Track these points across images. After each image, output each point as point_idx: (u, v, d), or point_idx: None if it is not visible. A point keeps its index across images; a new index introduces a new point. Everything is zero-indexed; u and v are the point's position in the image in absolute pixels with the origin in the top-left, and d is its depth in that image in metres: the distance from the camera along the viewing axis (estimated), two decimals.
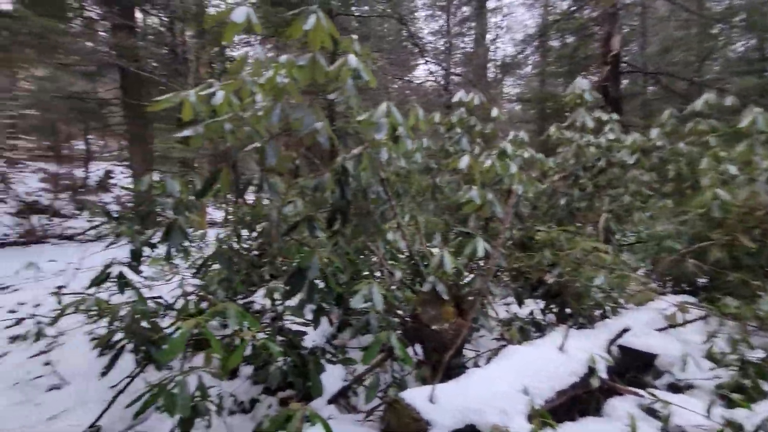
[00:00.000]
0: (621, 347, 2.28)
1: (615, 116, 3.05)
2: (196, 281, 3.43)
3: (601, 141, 3.01)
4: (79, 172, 18.99)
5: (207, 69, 10.85)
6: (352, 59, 1.51)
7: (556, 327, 2.32)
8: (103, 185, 20.45)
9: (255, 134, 1.77)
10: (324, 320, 2.13)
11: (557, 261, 2.45)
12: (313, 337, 2.20)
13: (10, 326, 3.88)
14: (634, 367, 2.29)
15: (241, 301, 3.00)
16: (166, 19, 11.59)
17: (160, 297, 2.91)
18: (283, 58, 1.72)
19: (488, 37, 13.29)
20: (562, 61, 10.14)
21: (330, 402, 1.89)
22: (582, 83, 2.57)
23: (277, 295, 2.33)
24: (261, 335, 1.55)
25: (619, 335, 2.23)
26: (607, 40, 5.79)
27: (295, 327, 2.18)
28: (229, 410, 2.12)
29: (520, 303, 2.70)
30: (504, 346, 2.15)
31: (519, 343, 2.04)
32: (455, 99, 2.52)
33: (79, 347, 2.91)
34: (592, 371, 1.99)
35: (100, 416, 2.05)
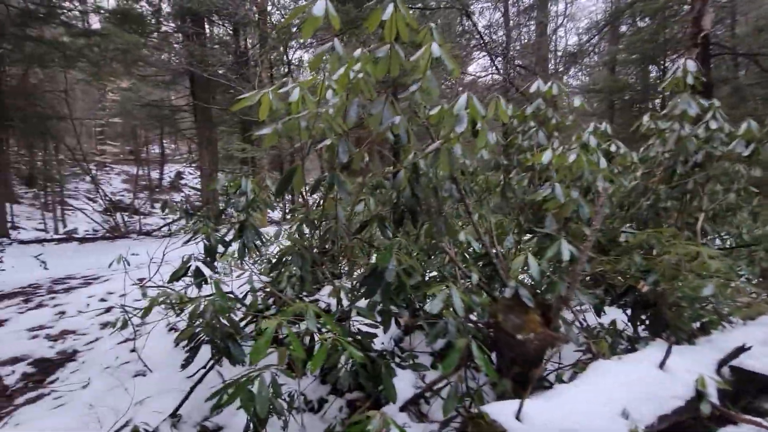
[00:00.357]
0: (733, 368, 1.97)
1: (717, 103, 2.67)
2: (263, 277, 3.55)
3: (699, 132, 2.65)
4: (154, 174, 20.85)
5: (268, 73, 11.35)
6: (436, 47, 1.42)
7: (652, 341, 2.06)
8: (175, 185, 22.27)
9: (328, 131, 1.74)
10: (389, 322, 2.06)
11: (652, 267, 2.17)
12: (381, 339, 2.14)
13: (101, 314, 4.29)
14: (750, 392, 1.97)
15: (307, 299, 3.05)
16: (231, 28, 12.29)
17: (231, 292, 3.03)
18: (358, 52, 1.67)
19: (550, 27, 12.55)
20: (635, 47, 9.24)
21: (401, 409, 1.81)
22: (689, 65, 2.26)
23: (341, 295, 2.32)
24: (328, 334, 1.51)
25: (734, 354, 1.92)
26: (698, 20, 5.15)
27: (361, 328, 2.13)
28: (298, 408, 2.13)
29: (599, 312, 2.45)
30: (590, 359, 1.95)
31: (609, 357, 1.83)
32: (533, 89, 2.32)
33: (160, 337, 3.10)
34: (700, 395, 1.73)
35: (180, 406, 2.15)
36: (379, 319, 1.84)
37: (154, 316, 3.40)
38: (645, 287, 2.07)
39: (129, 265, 3.06)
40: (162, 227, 13.82)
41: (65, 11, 9.98)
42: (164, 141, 21.99)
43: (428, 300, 1.98)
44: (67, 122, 12.82)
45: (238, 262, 4.02)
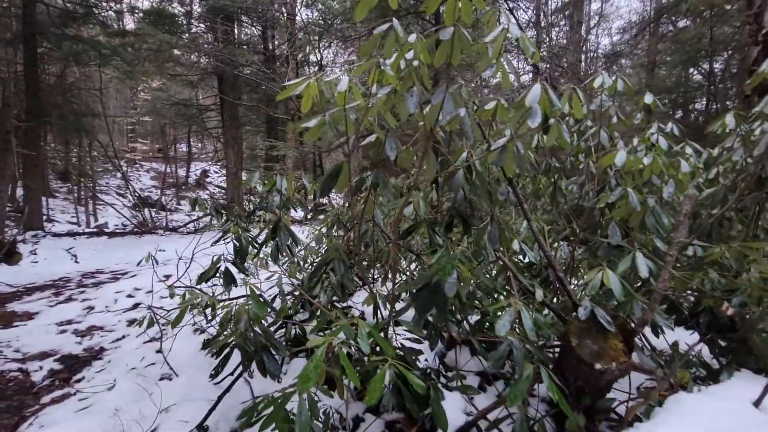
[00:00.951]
0: None
1: None
2: (292, 279, 3.42)
3: None
4: (181, 171, 21.31)
5: (295, 73, 11.36)
6: (515, 29, 1.23)
7: (737, 371, 1.80)
8: (201, 183, 22.72)
9: (375, 126, 1.57)
10: (437, 338, 1.87)
11: (734, 286, 1.91)
12: (423, 355, 1.95)
13: (127, 310, 4.26)
14: None
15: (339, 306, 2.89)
16: (260, 28, 12.38)
17: (259, 295, 2.90)
18: (412, 37, 1.50)
19: (583, 27, 12.09)
20: (679, 47, 8.70)
21: None
22: None
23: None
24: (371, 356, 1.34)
25: None
26: (759, 16, 4.77)
27: (403, 341, 1.95)
28: (331, 425, 1.97)
29: (657, 332, 2.19)
30: (666, 389, 1.70)
31: (690, 389, 1.58)
32: (597, 83, 2.09)
33: (185, 338, 3.01)
34: None
35: (207, 416, 2.02)
36: (423, 332, 1.66)
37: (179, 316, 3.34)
38: (729, 309, 1.81)
39: (157, 264, 2.98)
40: (187, 224, 14.04)
41: (102, 11, 10.25)
42: (191, 140, 22.47)
43: (480, 316, 1.79)
44: (101, 120, 13.19)
45: (264, 263, 3.92)
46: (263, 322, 2.14)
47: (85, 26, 10.61)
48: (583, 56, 13.04)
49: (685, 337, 2.34)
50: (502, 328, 1.25)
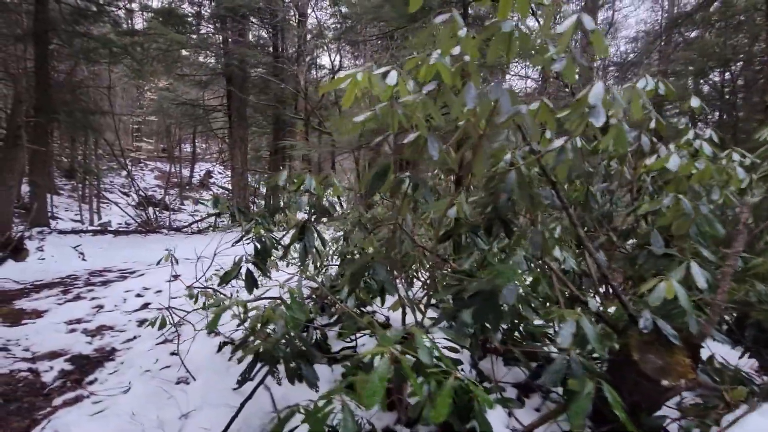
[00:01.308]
0: None
1: None
2: (312, 283, 3.34)
3: None
4: (185, 171, 21.28)
5: (304, 76, 11.34)
6: (588, 19, 1.16)
7: None
8: (205, 183, 22.69)
9: (421, 123, 1.50)
10: (478, 347, 1.79)
11: None
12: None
13: (137, 310, 4.18)
14: None
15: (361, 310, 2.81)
16: (270, 29, 12.38)
17: (279, 297, 2.82)
18: (463, 31, 1.43)
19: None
20: (694, 56, 8.64)
21: None
22: None
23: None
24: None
25: None
26: None
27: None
28: None
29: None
30: (722, 408, 1.62)
31: (754, 408, 1.50)
32: (641, 85, 2.02)
33: (200, 340, 2.92)
34: None
35: (230, 423, 1.93)
36: (468, 341, 1.57)
37: (193, 317, 3.24)
38: None
39: (177, 263, 2.90)
40: (191, 224, 13.97)
41: (114, 10, 10.26)
42: (196, 140, 22.45)
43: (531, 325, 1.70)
44: (108, 118, 13.17)
45: (275, 264, 3.83)
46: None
47: (96, 24, 10.62)
48: (595, 63, 13.01)
49: (722, 351, 2.25)
50: (564, 340, 1.17)
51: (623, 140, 1.35)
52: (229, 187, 20.56)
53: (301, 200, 2.19)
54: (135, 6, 11.22)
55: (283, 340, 1.55)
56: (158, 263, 2.47)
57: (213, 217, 15.14)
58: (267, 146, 18.98)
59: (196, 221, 14.54)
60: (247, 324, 1.73)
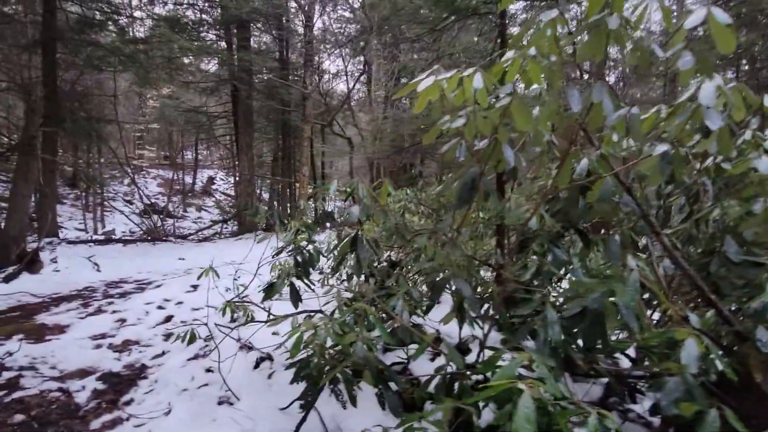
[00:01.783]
0: None
1: None
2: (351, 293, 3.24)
3: None
4: (188, 178, 21.19)
5: (311, 81, 11.29)
6: (719, 12, 1.08)
7: None
8: (207, 190, 22.59)
9: (503, 128, 1.42)
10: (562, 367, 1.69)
11: None
12: None
13: (160, 323, 4.06)
14: None
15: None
16: (276, 36, 12.34)
17: (319, 310, 2.72)
18: (549, 31, 1.35)
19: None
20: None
21: None
22: None
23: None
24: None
25: None
26: None
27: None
28: None
29: None
30: None
31: None
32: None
33: (230, 353, 2.80)
34: None
35: None
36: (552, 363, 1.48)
37: (224, 329, 3.14)
38: None
39: (219, 278, 2.80)
40: (198, 232, 13.86)
41: (119, 18, 10.20)
42: (199, 147, 22.37)
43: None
44: (112, 126, 13.08)
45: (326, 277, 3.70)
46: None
47: (101, 33, 10.56)
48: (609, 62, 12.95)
49: None
50: (690, 363, 1.08)
51: (728, 143, 1.27)
52: (232, 193, 20.46)
53: (352, 211, 2.10)
54: (139, 14, 11.17)
55: (367, 364, 1.45)
56: (199, 278, 2.36)
57: (218, 225, 15.07)
58: (269, 152, 18.91)
59: (203, 229, 14.44)
60: (308, 343, 1.63)
